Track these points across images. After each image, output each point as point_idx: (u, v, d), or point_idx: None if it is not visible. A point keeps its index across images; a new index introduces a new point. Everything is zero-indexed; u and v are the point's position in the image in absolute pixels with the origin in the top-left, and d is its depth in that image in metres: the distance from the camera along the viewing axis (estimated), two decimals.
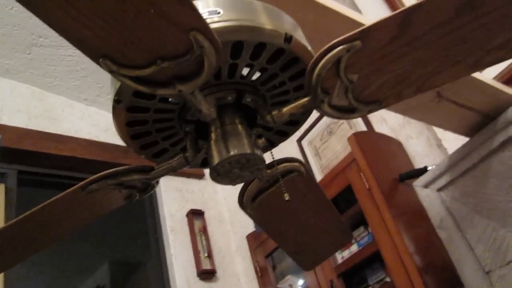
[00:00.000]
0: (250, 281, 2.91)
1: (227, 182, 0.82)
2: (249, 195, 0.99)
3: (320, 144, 2.68)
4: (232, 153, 0.74)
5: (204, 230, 3.03)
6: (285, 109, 0.80)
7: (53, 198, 0.86)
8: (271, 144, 0.96)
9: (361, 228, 2.14)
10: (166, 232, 2.95)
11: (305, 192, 1.02)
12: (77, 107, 3.11)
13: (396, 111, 1.49)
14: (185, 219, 3.06)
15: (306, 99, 0.77)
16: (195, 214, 3.09)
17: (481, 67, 0.82)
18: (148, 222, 3.12)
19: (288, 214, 1.07)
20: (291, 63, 0.78)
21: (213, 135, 0.79)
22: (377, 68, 0.74)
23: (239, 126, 0.78)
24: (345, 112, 0.78)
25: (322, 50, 0.72)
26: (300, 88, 0.83)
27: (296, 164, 0.94)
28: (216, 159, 0.75)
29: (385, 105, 0.80)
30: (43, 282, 4.28)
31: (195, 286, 2.78)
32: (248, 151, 0.75)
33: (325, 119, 2.64)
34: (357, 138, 2.11)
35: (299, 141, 2.81)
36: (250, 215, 1.07)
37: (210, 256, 2.92)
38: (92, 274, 4.30)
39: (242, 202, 1.02)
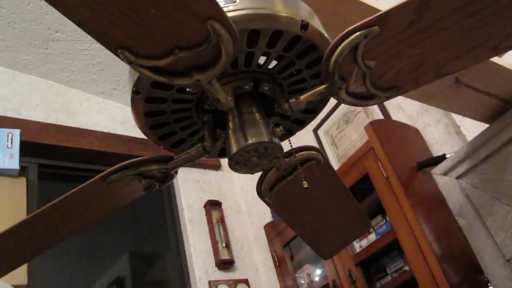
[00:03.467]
0: (268, 271, 2.93)
1: (246, 171, 0.82)
2: (267, 184, 0.99)
3: (336, 133, 2.67)
4: (250, 141, 0.74)
5: (221, 220, 3.05)
6: (302, 97, 0.79)
7: (74, 189, 0.88)
8: (289, 133, 0.96)
9: (379, 217, 2.13)
10: (184, 223, 2.98)
11: (323, 181, 1.02)
12: (94, 100, 3.14)
13: (414, 98, 1.47)
14: (203, 210, 3.08)
15: (323, 86, 0.76)
16: (213, 205, 3.11)
17: (500, 51, 0.81)
18: (167, 213, 3.15)
19: (306, 203, 1.08)
20: (308, 50, 0.78)
21: (231, 124, 0.79)
22: (395, 54, 0.73)
23: (257, 115, 0.78)
24: (362, 99, 0.77)
25: (339, 36, 0.72)
26: (317, 76, 0.83)
27: (314, 152, 0.94)
28: (234, 148, 0.76)
29: (403, 91, 0.79)
30: (65, 273, 4.35)
31: (214, 276, 2.81)
32: (266, 139, 0.75)
33: (341, 108, 2.63)
34: (374, 126, 2.10)
35: (315, 130, 2.80)
36: (269, 204, 1.08)
37: (228, 246, 2.95)
38: (112, 265, 4.37)
39: (261, 191, 1.02)
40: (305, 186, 0.81)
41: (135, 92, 0.78)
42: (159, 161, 0.86)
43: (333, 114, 2.69)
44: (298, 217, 1.14)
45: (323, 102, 0.88)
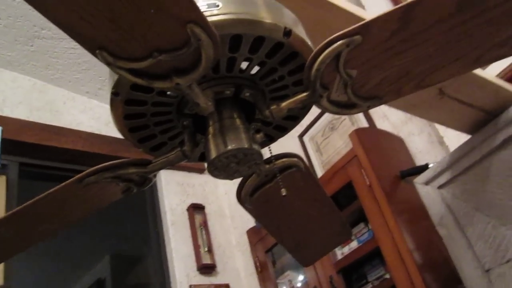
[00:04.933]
0: (250, 276, 2.92)
1: (225, 177, 0.81)
2: (247, 190, 0.98)
3: (321, 140, 2.67)
4: (229, 147, 0.74)
5: (204, 224, 3.03)
6: (283, 104, 0.79)
7: (50, 190, 0.86)
8: (270, 139, 0.95)
9: (361, 225, 2.14)
10: (167, 226, 2.96)
11: (304, 188, 1.01)
12: (79, 100, 3.11)
13: (398, 107, 1.48)
14: (186, 213, 3.06)
15: (304, 94, 0.76)
16: (196, 208, 3.09)
17: (483, 63, 0.81)
18: (149, 216, 3.12)
19: (287, 210, 1.07)
20: (291, 57, 0.78)
21: (210, 129, 0.78)
22: (377, 64, 0.73)
23: (237, 121, 0.78)
24: (344, 107, 0.77)
25: (321, 44, 0.72)
26: (299, 83, 0.82)
27: (295, 159, 0.94)
28: (213, 153, 0.75)
29: (385, 101, 0.79)
30: (44, 274, 4.29)
31: (195, 280, 2.79)
32: (246, 145, 0.74)
33: (327, 115, 2.63)
34: (358, 134, 2.11)
35: (300, 136, 2.80)
36: (249, 210, 1.07)
37: (210, 250, 2.93)
38: (94, 267, 4.32)
39: (240, 196, 1.02)
40: (283, 194, 0.80)
41: (115, 94, 0.76)
42: (137, 164, 0.85)
43: (318, 121, 2.69)
44: (278, 224, 1.13)
45: (305, 109, 0.88)
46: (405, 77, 0.78)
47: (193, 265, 2.85)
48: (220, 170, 0.79)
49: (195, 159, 0.93)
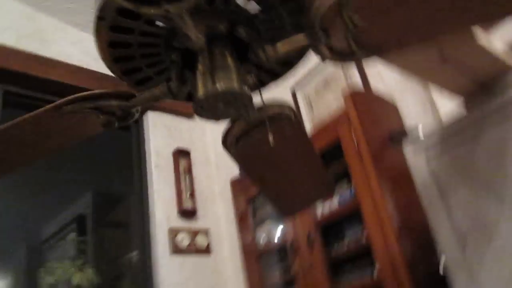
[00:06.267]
0: (229, 224, 2.94)
1: (211, 117, 0.78)
2: (233, 134, 0.95)
3: (314, 96, 2.63)
4: (218, 86, 0.70)
5: (189, 170, 3.02)
6: (279, 45, 0.74)
7: (26, 115, 0.82)
8: (261, 84, 0.91)
9: (344, 185, 2.13)
10: (151, 168, 2.94)
11: (292, 139, 0.98)
12: (70, 31, 2.99)
13: (397, 65, 1.43)
14: (171, 157, 3.04)
15: (302, 35, 0.71)
16: (181, 153, 3.07)
17: (491, 19, 0.76)
18: (134, 156, 3.10)
19: (272, 159, 1.05)
20: None
21: (200, 66, 0.74)
22: (384, 9, 0.68)
23: (229, 59, 0.73)
24: (342, 55, 0.73)
25: None
26: (298, 28, 0.77)
27: (286, 108, 0.90)
28: (201, 92, 0.71)
29: (384, 51, 0.75)
30: (24, 205, 4.30)
31: (175, 223, 2.81)
32: (235, 86, 0.70)
33: (322, 72, 2.57)
34: (352, 95, 2.07)
35: (293, 89, 2.75)
36: (233, 156, 1.04)
37: (192, 196, 2.93)
38: (76, 202, 4.34)
39: (226, 141, 0.99)
40: (271, 144, 0.77)
41: (100, 18, 0.71)
42: (119, 96, 0.80)
43: (313, 78, 2.63)
44: (262, 173, 1.11)
45: (300, 55, 0.83)
46: (409, 27, 0.73)
47: (174, 208, 2.85)
48: (206, 109, 0.75)
49: (182, 97, 0.89)
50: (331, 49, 0.72)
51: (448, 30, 0.76)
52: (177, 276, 2.69)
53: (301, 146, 1.03)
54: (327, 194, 1.30)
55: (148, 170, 2.97)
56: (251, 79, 0.78)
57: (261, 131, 0.91)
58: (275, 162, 1.05)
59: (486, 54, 1.37)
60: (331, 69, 2.48)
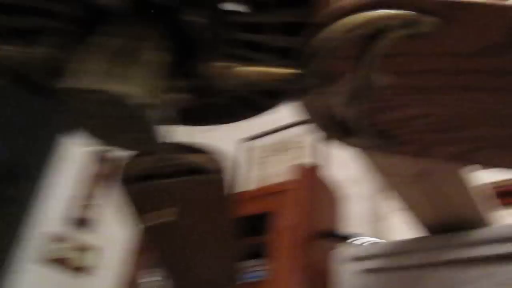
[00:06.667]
0: None
1: (90, 130, 0.44)
2: (131, 169, 0.62)
3: (268, 155, 2.37)
4: (91, 79, 0.37)
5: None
6: (244, 69, 0.43)
7: None
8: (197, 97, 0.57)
9: (260, 261, 1.84)
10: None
11: (207, 205, 0.66)
12: None
13: (376, 164, 1.16)
14: None
15: (287, 69, 0.41)
16: None
17: None
18: None
19: (176, 223, 0.72)
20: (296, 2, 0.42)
21: (95, 41, 0.41)
22: (426, 88, 0.39)
23: (149, 46, 0.40)
24: (337, 126, 0.43)
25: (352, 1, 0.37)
26: (286, 53, 0.47)
27: (209, 157, 0.58)
28: (68, 82, 0.38)
29: (398, 149, 0.46)
30: None
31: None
32: (133, 92, 0.37)
33: (288, 134, 2.30)
34: (304, 171, 1.90)
35: (250, 139, 2.45)
36: (127, 194, 0.70)
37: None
38: None
39: (125, 172, 0.65)
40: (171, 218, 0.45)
41: None
42: None
43: (274, 134, 2.37)
44: (160, 235, 0.78)
45: (273, 100, 0.51)
46: (445, 131, 0.45)
47: None
48: (86, 117, 0.42)
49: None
50: (323, 110, 0.41)
51: (494, 161, 0.48)
52: None
53: (216, 217, 0.72)
54: (229, 286, 0.97)
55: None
56: (182, 98, 0.46)
57: (166, 183, 0.58)
58: (178, 227, 0.72)
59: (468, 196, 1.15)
60: (299, 131, 2.22)
